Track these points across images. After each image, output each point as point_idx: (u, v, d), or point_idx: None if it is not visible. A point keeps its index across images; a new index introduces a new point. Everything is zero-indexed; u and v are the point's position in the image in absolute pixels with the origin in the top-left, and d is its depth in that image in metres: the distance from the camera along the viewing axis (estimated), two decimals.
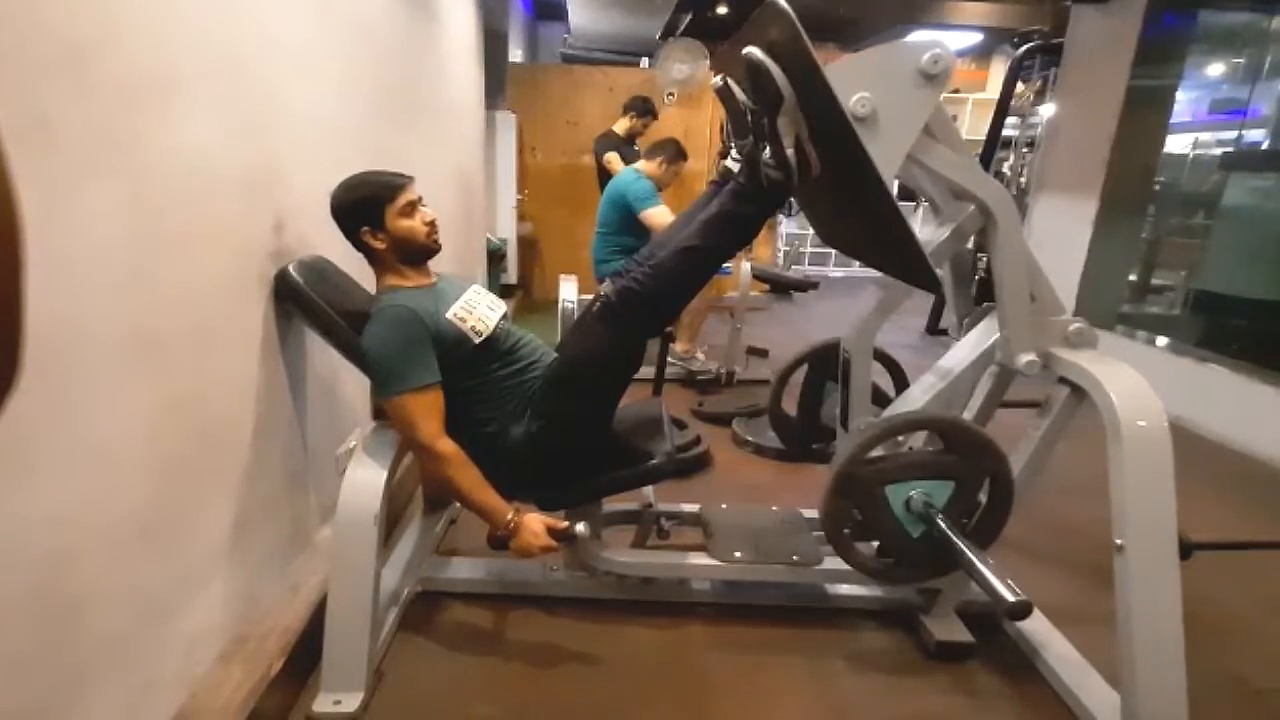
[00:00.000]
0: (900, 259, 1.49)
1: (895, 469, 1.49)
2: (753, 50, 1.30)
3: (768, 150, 1.39)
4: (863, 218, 1.52)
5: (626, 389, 1.63)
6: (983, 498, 1.51)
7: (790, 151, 1.36)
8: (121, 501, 1.07)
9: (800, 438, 2.03)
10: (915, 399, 1.64)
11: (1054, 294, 1.51)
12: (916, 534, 1.49)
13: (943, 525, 1.45)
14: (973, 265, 1.88)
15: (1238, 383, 3.25)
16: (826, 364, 1.90)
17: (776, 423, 2.06)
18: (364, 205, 1.52)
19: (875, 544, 1.62)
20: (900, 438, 1.63)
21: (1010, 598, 1.28)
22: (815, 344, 1.94)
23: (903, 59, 1.31)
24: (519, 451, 1.57)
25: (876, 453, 1.50)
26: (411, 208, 1.54)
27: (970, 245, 1.73)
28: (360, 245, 1.56)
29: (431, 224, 1.57)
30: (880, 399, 1.85)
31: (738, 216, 1.49)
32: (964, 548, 1.40)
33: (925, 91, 1.32)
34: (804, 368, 1.98)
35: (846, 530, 1.52)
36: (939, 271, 1.59)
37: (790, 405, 2.05)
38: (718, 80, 1.48)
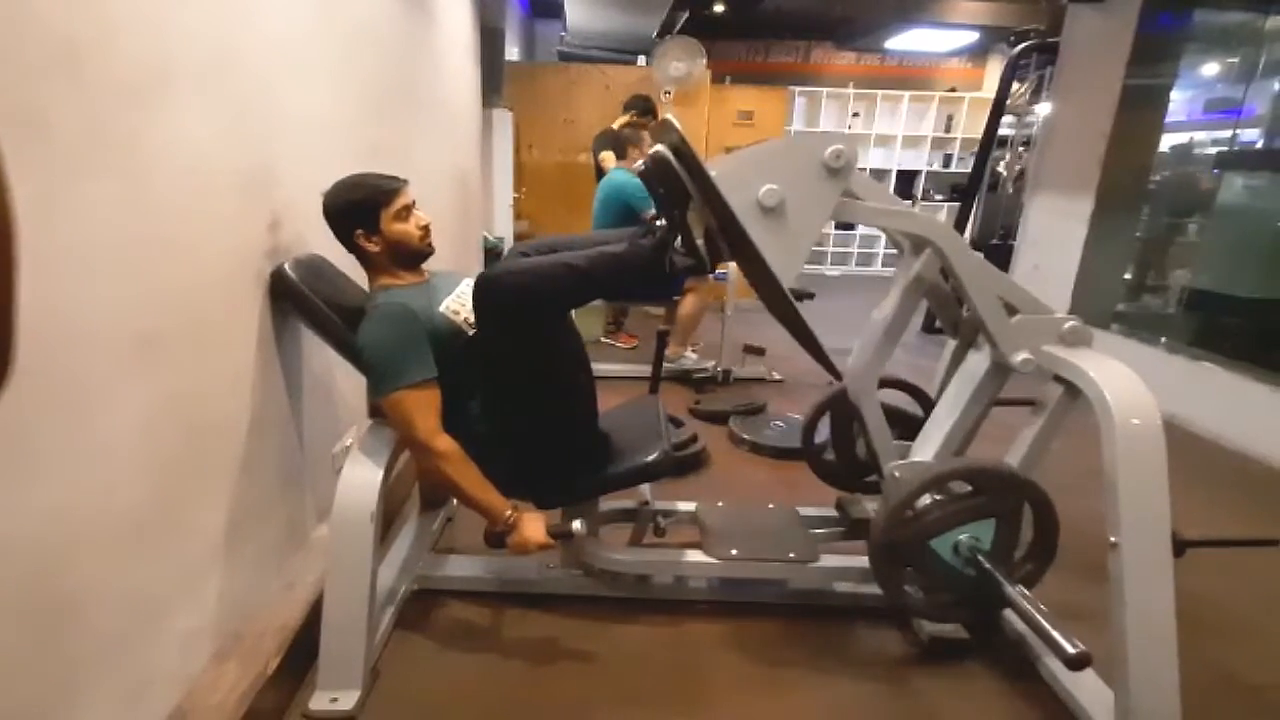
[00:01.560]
0: (808, 345, 1.54)
1: (933, 524, 1.50)
2: (660, 148, 1.38)
3: (679, 240, 1.45)
4: (774, 300, 1.56)
5: (568, 380, 1.59)
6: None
7: (700, 242, 1.43)
8: (117, 499, 1.07)
9: (848, 479, 2.03)
10: (934, 439, 1.65)
11: (1030, 295, 1.53)
12: (972, 574, 1.50)
13: (990, 570, 1.46)
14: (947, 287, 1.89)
15: (1232, 381, 3.26)
16: (847, 406, 1.90)
17: (818, 469, 2.05)
18: (359, 208, 1.51)
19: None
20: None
21: (1070, 650, 1.26)
22: (830, 393, 1.95)
23: (806, 153, 1.40)
24: (512, 450, 1.57)
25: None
26: (407, 211, 1.54)
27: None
28: (353, 248, 1.56)
29: (425, 228, 1.57)
30: (908, 420, 1.86)
31: (627, 272, 1.50)
32: (1017, 596, 1.40)
33: (829, 184, 1.41)
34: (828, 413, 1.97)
35: (907, 587, 1.54)
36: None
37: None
38: (640, 164, 1.48)
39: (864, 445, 1.87)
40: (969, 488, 1.53)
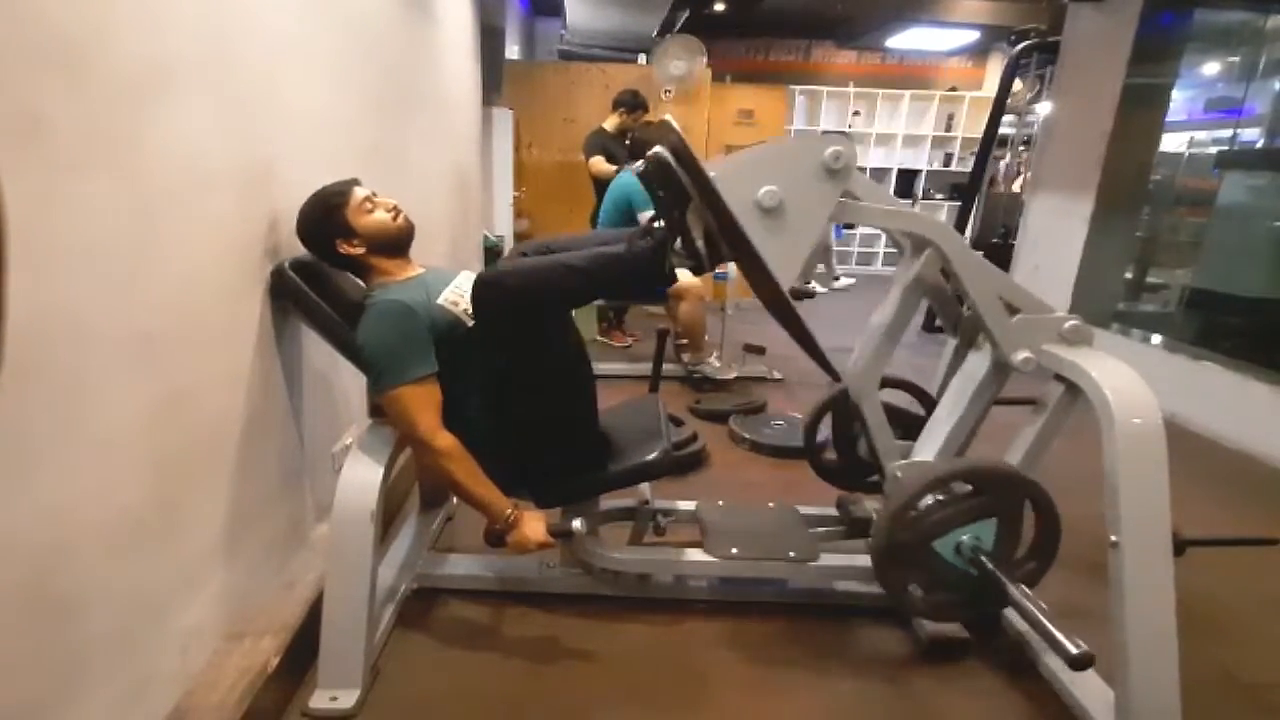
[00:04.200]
0: (807, 346, 1.55)
1: (934, 525, 1.49)
2: (660, 150, 1.37)
3: (679, 241, 1.44)
4: (773, 301, 1.56)
5: (568, 378, 1.59)
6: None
7: (700, 243, 1.43)
8: (118, 498, 1.06)
9: (851, 477, 2.02)
10: (936, 439, 1.65)
11: (1030, 295, 1.53)
12: (974, 574, 1.50)
13: (993, 570, 1.45)
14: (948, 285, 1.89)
15: (1232, 380, 3.26)
16: (848, 406, 1.89)
17: (820, 469, 2.04)
18: (328, 219, 1.53)
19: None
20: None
21: (1073, 650, 1.25)
22: (830, 392, 1.94)
23: (807, 153, 1.40)
24: (512, 448, 1.57)
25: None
26: (370, 203, 1.55)
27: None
28: (341, 260, 1.57)
29: (394, 208, 1.58)
30: (910, 420, 1.86)
31: (626, 273, 1.49)
32: (1019, 596, 1.40)
33: (828, 185, 1.41)
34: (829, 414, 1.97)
35: (910, 588, 1.53)
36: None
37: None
38: (638, 165, 1.49)
39: (865, 444, 1.87)
40: (970, 488, 1.52)
